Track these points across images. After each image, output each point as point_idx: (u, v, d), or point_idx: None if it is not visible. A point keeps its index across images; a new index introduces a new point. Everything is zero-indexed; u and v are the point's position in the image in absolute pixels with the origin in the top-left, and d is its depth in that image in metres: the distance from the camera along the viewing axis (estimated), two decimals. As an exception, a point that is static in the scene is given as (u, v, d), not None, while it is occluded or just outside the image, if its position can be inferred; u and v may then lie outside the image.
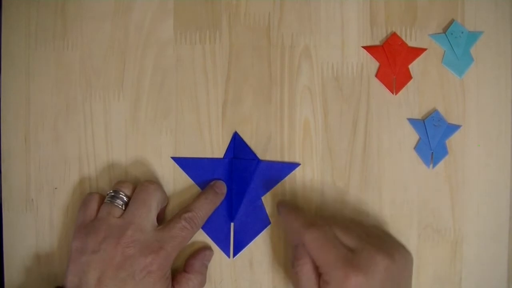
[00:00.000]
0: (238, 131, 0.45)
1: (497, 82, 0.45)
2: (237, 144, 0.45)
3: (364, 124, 0.45)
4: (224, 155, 0.45)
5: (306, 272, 0.39)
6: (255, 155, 0.45)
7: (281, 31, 0.45)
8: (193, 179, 0.45)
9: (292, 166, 0.45)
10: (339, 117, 0.45)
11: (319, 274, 0.39)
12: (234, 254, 0.45)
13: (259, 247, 0.45)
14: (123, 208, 0.41)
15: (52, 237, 0.45)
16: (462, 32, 0.44)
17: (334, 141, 0.45)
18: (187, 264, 0.43)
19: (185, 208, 0.42)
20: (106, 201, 0.41)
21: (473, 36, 0.45)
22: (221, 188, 0.44)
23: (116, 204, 0.41)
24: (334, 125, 0.45)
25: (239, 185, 0.44)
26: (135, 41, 0.45)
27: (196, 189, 0.45)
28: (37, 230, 0.45)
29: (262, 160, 0.45)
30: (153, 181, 0.42)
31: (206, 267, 0.44)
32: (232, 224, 0.45)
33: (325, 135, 0.45)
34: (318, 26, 0.45)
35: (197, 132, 0.45)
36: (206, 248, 0.45)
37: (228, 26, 0.45)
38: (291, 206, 0.43)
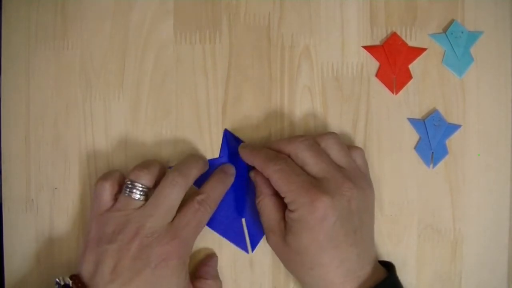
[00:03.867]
0: (238, 131, 0.45)
1: (497, 82, 0.45)
2: (230, 141, 0.45)
3: (364, 124, 0.45)
4: (220, 154, 0.45)
5: (266, 205, 0.41)
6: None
7: (281, 31, 0.45)
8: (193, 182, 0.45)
9: None
10: (339, 117, 0.45)
11: (283, 206, 0.40)
12: (252, 248, 0.45)
13: (259, 247, 0.45)
14: (142, 199, 0.40)
15: (52, 237, 0.45)
16: (462, 32, 0.44)
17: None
18: (202, 271, 0.43)
19: (197, 191, 0.42)
20: (124, 193, 0.40)
21: (473, 36, 0.45)
22: (230, 169, 0.44)
23: (133, 196, 0.40)
24: (334, 125, 0.45)
25: (241, 180, 0.44)
26: (135, 41, 0.45)
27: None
28: (37, 230, 0.45)
29: None
30: (180, 173, 0.41)
31: (217, 271, 0.44)
32: (243, 219, 0.45)
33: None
34: (318, 26, 0.45)
35: (197, 132, 0.45)
36: (213, 254, 0.45)
37: (228, 26, 0.45)
38: (251, 146, 0.43)
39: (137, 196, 0.40)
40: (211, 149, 0.45)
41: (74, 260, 0.45)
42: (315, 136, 0.41)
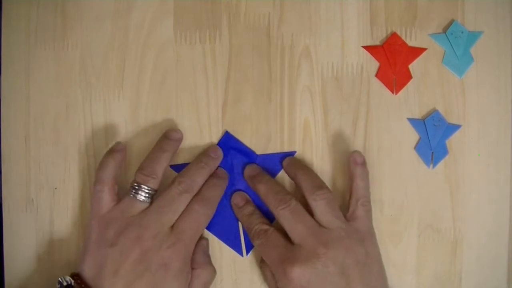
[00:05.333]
0: (238, 131, 0.45)
1: (497, 82, 0.45)
2: (229, 142, 0.45)
3: (364, 124, 0.45)
4: None
5: (267, 275, 0.42)
6: (250, 150, 0.45)
7: (281, 31, 0.45)
8: None
9: (289, 154, 0.45)
10: (339, 117, 0.45)
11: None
12: (247, 252, 0.45)
13: (259, 247, 0.45)
14: (147, 201, 0.40)
15: (52, 237, 0.45)
16: (462, 32, 0.44)
17: (334, 141, 0.45)
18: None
19: (196, 196, 0.42)
20: (130, 194, 0.40)
21: (473, 36, 0.45)
22: (225, 174, 0.44)
23: (138, 198, 0.40)
24: (334, 125, 0.45)
25: (239, 181, 0.44)
26: (135, 41, 0.45)
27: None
28: (37, 230, 0.45)
29: (258, 154, 0.45)
30: (188, 184, 0.41)
31: (209, 256, 0.44)
32: (240, 223, 0.45)
33: (325, 135, 0.45)
34: (318, 26, 0.45)
35: (197, 132, 0.45)
36: (200, 238, 0.44)
37: (228, 26, 0.45)
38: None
39: (142, 198, 0.40)
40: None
41: (74, 260, 0.45)
42: (307, 192, 0.41)
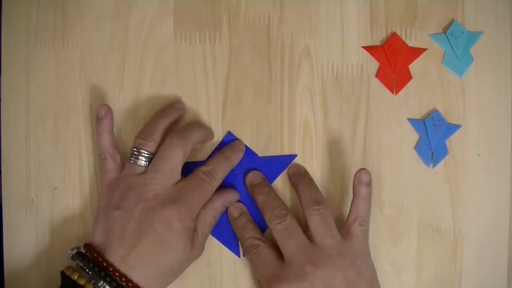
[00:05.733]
0: (238, 131, 0.45)
1: (497, 82, 0.45)
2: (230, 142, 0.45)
3: (364, 124, 0.45)
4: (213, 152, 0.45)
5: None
6: (252, 151, 0.45)
7: (281, 31, 0.45)
8: None
9: (290, 158, 0.45)
10: (339, 117, 0.45)
11: None
12: (244, 253, 0.45)
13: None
14: (147, 165, 0.41)
15: (52, 237, 0.45)
16: (462, 32, 0.44)
17: (334, 141, 0.45)
18: (208, 200, 0.43)
19: (204, 164, 0.42)
20: (130, 160, 0.42)
21: (473, 36, 0.45)
22: (238, 145, 0.44)
23: (139, 163, 0.41)
24: (334, 125, 0.45)
25: (239, 183, 0.44)
26: (135, 41, 0.45)
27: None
28: (37, 230, 0.45)
29: (260, 156, 0.45)
30: (180, 135, 0.41)
31: (224, 207, 0.44)
32: None
33: (325, 135, 0.45)
34: (318, 26, 0.45)
35: (197, 132, 0.45)
36: (231, 190, 0.44)
37: (228, 26, 0.45)
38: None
39: (143, 163, 0.41)
40: (211, 149, 0.45)
41: (74, 260, 0.45)
42: (304, 205, 0.41)
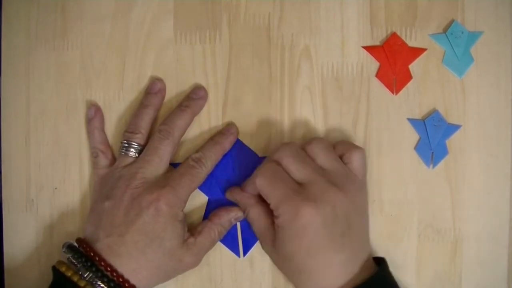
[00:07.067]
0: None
1: (497, 82, 0.45)
2: (235, 144, 0.45)
3: (364, 124, 0.45)
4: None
5: (254, 214, 0.41)
6: (253, 152, 0.45)
7: (281, 31, 0.45)
8: None
9: None
10: (339, 117, 0.45)
11: (272, 212, 0.39)
12: (244, 253, 0.45)
13: (260, 247, 0.45)
14: (137, 157, 0.42)
15: (52, 237, 0.45)
16: (462, 32, 0.44)
17: (334, 141, 0.45)
18: (214, 213, 0.43)
19: (194, 154, 0.42)
20: (121, 152, 0.42)
21: (473, 36, 0.45)
22: (230, 128, 0.44)
23: (129, 154, 0.42)
24: (334, 125, 0.45)
25: (240, 183, 0.44)
26: (135, 41, 0.45)
27: (197, 191, 0.45)
28: (37, 230, 0.45)
29: (260, 156, 0.45)
30: (166, 124, 0.42)
31: (231, 224, 0.43)
32: (238, 224, 0.44)
33: (325, 135, 0.45)
34: (318, 26, 0.45)
35: (197, 132, 0.45)
36: (238, 208, 0.43)
37: (228, 26, 0.45)
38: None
39: (133, 154, 0.42)
40: (211, 149, 0.45)
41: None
42: (302, 142, 0.41)
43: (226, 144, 0.43)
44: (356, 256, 0.39)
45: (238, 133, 0.45)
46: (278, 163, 0.40)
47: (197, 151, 0.42)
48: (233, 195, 0.43)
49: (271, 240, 0.40)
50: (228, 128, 0.44)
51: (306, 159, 0.40)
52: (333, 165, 0.40)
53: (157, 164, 0.41)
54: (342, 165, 0.40)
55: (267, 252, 0.42)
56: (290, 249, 0.38)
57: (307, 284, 0.39)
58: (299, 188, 0.39)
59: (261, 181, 0.39)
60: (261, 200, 0.41)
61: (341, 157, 0.41)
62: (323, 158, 0.40)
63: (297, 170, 0.39)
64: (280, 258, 0.40)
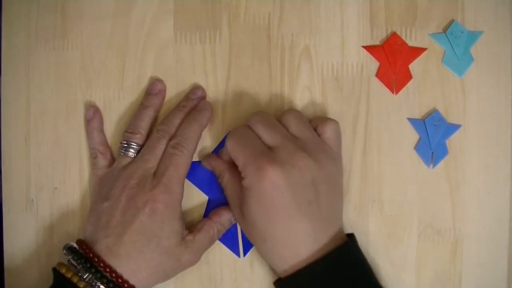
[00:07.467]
0: (238, 131, 0.45)
1: (497, 82, 0.45)
2: None
3: (364, 124, 0.45)
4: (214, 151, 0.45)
5: (227, 179, 0.42)
6: None
7: (281, 31, 0.45)
8: (193, 182, 0.45)
9: None
10: (339, 117, 0.45)
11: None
12: (244, 253, 0.45)
13: (259, 247, 0.45)
14: (135, 157, 0.42)
15: (52, 237, 0.45)
16: (462, 32, 0.44)
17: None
18: (214, 212, 0.43)
19: (172, 139, 0.42)
20: (120, 153, 0.43)
21: (473, 36, 0.45)
22: (203, 104, 0.44)
23: (128, 155, 0.42)
24: (334, 125, 0.45)
25: None
26: (135, 41, 0.45)
27: (198, 191, 0.45)
28: (37, 230, 0.45)
29: None
30: (163, 125, 0.42)
31: (231, 223, 0.43)
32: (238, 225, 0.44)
33: (325, 135, 0.45)
34: (318, 26, 0.45)
35: (197, 132, 0.45)
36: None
37: (228, 26, 0.45)
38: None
39: (132, 154, 0.42)
40: (212, 149, 0.45)
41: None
42: (278, 114, 0.42)
43: (203, 120, 0.43)
44: (325, 227, 0.38)
45: (212, 108, 0.44)
46: (251, 129, 0.40)
47: (173, 136, 0.41)
48: (209, 161, 0.43)
49: (240, 205, 0.40)
50: (202, 104, 0.44)
51: (278, 126, 0.40)
52: (305, 134, 0.40)
53: (153, 164, 0.41)
54: (315, 135, 0.40)
55: (237, 220, 0.42)
56: (254, 213, 0.38)
57: (272, 252, 0.39)
58: (267, 149, 0.39)
59: (231, 143, 0.40)
60: (236, 166, 0.40)
61: (315, 129, 0.41)
62: (295, 126, 0.40)
63: (268, 135, 0.39)
64: (248, 225, 0.40)
